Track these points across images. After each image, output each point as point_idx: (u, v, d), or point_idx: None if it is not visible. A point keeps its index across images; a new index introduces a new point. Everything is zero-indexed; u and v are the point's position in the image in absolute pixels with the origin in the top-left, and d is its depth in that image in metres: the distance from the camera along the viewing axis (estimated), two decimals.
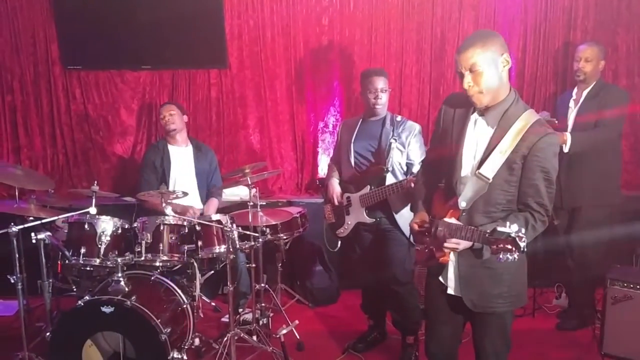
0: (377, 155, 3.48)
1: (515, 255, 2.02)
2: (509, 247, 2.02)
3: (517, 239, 2.01)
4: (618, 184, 3.92)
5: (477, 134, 2.32)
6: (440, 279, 2.47)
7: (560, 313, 4.20)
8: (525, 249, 2.02)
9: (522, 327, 3.89)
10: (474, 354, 2.57)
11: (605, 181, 3.81)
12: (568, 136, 3.66)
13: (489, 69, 2.18)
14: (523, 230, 2.03)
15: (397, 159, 3.43)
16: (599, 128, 3.70)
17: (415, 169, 3.43)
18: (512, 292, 2.37)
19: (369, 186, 3.45)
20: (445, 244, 2.27)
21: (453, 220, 2.27)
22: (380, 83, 3.43)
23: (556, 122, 3.68)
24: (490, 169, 2.22)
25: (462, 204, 2.29)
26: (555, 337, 3.91)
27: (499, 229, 2.06)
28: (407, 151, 3.44)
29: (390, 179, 3.41)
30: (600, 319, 3.63)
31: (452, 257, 2.40)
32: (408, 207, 3.43)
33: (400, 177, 3.45)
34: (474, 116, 2.33)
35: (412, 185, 3.14)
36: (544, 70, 4.76)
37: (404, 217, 3.42)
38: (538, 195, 2.21)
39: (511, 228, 2.02)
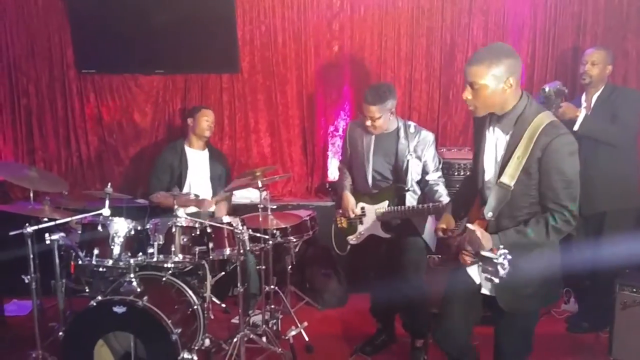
0: (396, 173, 3.46)
1: (501, 277, 2.14)
2: (491, 269, 2.15)
3: (499, 265, 2.11)
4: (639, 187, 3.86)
5: (495, 141, 2.38)
6: (470, 273, 2.51)
7: (569, 317, 4.19)
8: (505, 276, 2.13)
9: None
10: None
11: (627, 184, 3.76)
12: (582, 112, 3.60)
13: (489, 87, 2.24)
14: (508, 257, 2.12)
15: (415, 174, 3.43)
16: (615, 124, 3.65)
17: (430, 177, 3.46)
18: (541, 292, 2.39)
19: (387, 202, 3.44)
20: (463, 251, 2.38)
21: (475, 228, 2.30)
22: (370, 112, 3.32)
23: (566, 90, 3.59)
24: (510, 177, 2.26)
25: (489, 214, 2.34)
26: (564, 342, 3.90)
27: (484, 253, 2.18)
28: (422, 163, 3.45)
29: (409, 197, 3.43)
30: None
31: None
32: (428, 219, 3.47)
33: (417, 191, 3.47)
34: (492, 125, 2.39)
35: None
36: (553, 76, 4.75)
37: (427, 227, 3.46)
38: (556, 196, 2.23)
39: (499, 252, 2.12)
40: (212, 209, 4.34)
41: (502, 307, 2.41)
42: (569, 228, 2.25)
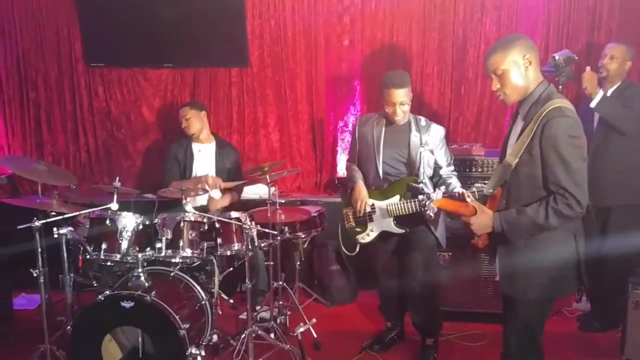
0: (407, 165, 3.41)
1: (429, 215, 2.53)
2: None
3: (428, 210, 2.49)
4: None
5: (516, 130, 2.46)
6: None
7: (580, 316, 4.14)
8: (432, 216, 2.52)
9: None
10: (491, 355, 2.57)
11: (635, 179, 3.70)
12: (600, 92, 3.56)
13: (511, 70, 2.35)
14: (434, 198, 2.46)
15: (427, 168, 3.40)
16: (627, 108, 3.63)
17: (443, 172, 3.43)
18: (546, 281, 2.37)
19: (398, 196, 3.38)
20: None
21: (473, 203, 2.41)
22: (399, 96, 3.27)
23: (576, 57, 3.47)
24: (513, 156, 2.33)
25: (490, 191, 2.42)
26: (576, 341, 3.86)
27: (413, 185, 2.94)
28: (434, 157, 3.41)
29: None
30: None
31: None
32: (442, 214, 3.43)
33: (430, 185, 3.43)
34: (516, 114, 2.50)
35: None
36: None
37: (440, 225, 3.42)
38: (556, 178, 2.25)
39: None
40: (217, 193, 4.30)
41: (503, 292, 2.45)
42: (570, 212, 2.24)
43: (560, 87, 3.31)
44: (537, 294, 2.40)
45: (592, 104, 3.59)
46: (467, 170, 4.06)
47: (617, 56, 3.74)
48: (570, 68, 3.44)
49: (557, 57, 3.38)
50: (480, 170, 4.06)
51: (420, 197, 2.46)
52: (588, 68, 3.57)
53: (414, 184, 3.23)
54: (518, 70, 2.35)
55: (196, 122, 4.37)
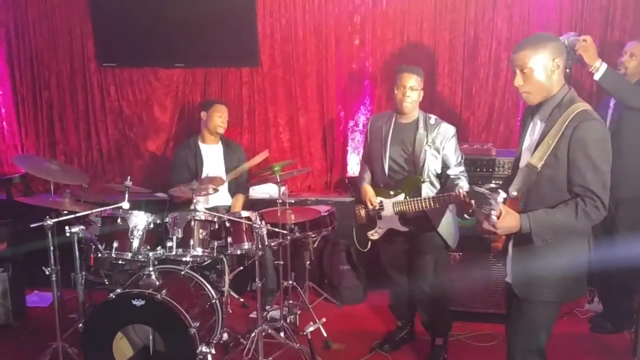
0: (411, 163, 3.40)
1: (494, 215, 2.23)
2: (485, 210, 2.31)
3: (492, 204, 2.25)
4: None
5: (533, 129, 2.44)
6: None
7: (592, 317, 4.11)
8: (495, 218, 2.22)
9: (552, 330, 3.81)
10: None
11: None
12: (603, 64, 3.46)
13: (537, 70, 2.32)
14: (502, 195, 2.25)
15: (432, 167, 3.37)
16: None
17: (451, 172, 3.40)
18: (559, 284, 2.36)
19: (403, 194, 3.38)
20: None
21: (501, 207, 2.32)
22: (410, 81, 3.32)
23: (579, 38, 3.36)
24: (538, 159, 2.30)
25: (513, 193, 2.37)
26: (587, 342, 3.83)
27: (478, 189, 2.42)
28: (441, 156, 3.38)
29: (425, 188, 3.37)
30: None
31: (510, 247, 2.47)
32: (447, 215, 3.42)
33: (436, 184, 3.42)
34: (533, 114, 2.47)
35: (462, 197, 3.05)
36: (579, 70, 4.64)
37: (444, 224, 3.40)
38: (584, 181, 2.23)
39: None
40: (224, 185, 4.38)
41: (516, 293, 2.42)
42: (597, 215, 2.23)
43: (567, 70, 3.26)
44: (553, 295, 2.40)
45: (596, 77, 3.46)
46: (478, 170, 4.04)
47: (638, 54, 3.68)
48: (575, 52, 3.39)
49: (562, 41, 3.34)
50: (491, 170, 4.04)
51: (491, 202, 2.35)
52: (588, 37, 3.41)
53: (477, 189, 3.17)
54: (544, 72, 2.32)
55: (226, 122, 4.44)
